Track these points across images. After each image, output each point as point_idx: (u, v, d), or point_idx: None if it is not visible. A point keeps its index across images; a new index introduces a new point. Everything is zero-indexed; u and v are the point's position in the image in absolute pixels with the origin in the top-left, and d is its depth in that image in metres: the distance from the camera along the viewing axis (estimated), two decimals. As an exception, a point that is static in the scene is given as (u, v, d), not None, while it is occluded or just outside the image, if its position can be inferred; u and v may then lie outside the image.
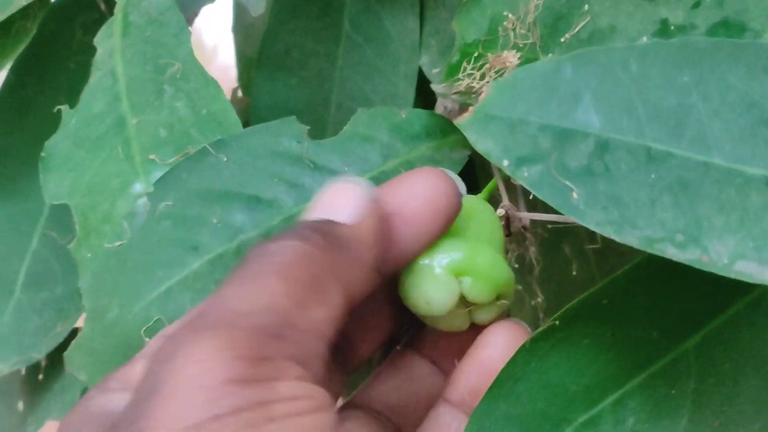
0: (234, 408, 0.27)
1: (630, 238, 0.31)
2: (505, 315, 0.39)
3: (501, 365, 0.37)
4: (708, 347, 0.36)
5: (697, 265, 0.31)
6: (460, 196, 0.37)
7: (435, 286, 0.37)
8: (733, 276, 0.30)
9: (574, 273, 0.43)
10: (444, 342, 0.40)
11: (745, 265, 0.30)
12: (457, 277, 0.37)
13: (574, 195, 0.32)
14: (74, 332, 0.53)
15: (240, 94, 0.68)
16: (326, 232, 0.32)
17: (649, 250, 0.31)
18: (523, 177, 0.33)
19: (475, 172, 0.49)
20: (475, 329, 0.39)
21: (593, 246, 0.35)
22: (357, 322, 0.40)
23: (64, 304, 0.54)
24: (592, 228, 0.32)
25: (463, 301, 0.37)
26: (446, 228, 0.38)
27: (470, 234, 0.38)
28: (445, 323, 0.39)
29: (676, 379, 0.36)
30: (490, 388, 0.35)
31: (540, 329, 0.35)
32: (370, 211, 0.34)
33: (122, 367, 0.34)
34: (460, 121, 0.35)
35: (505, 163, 0.34)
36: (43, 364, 0.58)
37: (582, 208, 0.32)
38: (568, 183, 0.33)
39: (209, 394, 0.27)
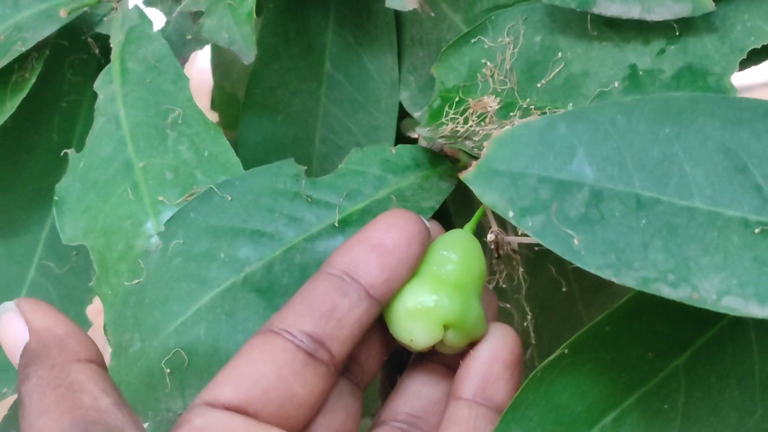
0: None
1: (627, 279, 0.35)
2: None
3: (502, 354, 0.43)
4: (696, 363, 0.40)
5: (688, 302, 0.34)
6: (425, 225, 0.43)
7: (424, 331, 0.42)
8: (721, 311, 0.34)
9: (564, 289, 0.47)
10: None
11: (731, 300, 0.34)
12: (444, 327, 0.42)
13: (575, 242, 0.36)
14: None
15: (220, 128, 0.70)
16: None
17: (646, 290, 0.35)
18: (528, 226, 0.37)
19: (469, 198, 0.53)
20: None
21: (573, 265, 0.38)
22: (363, 345, 0.44)
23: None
24: (593, 272, 0.35)
25: (440, 342, 0.43)
26: (422, 253, 0.43)
27: (462, 280, 0.43)
28: (414, 347, 0.43)
29: (667, 394, 0.40)
30: (504, 414, 0.38)
31: (550, 358, 0.39)
32: None
33: None
34: (465, 176, 0.38)
35: (510, 214, 0.37)
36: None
37: (583, 253, 0.36)
38: (569, 231, 0.36)
39: None
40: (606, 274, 0.35)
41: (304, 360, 0.41)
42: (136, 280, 0.44)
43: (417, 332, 0.42)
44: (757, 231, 0.35)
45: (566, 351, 0.39)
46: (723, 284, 0.34)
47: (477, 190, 0.38)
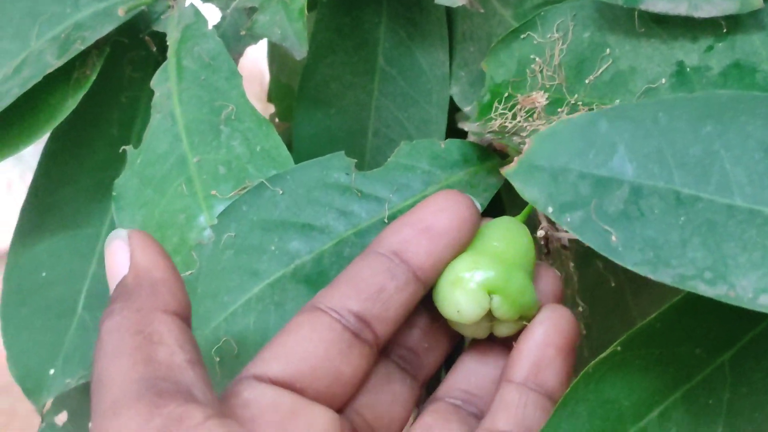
0: None
1: (664, 276, 0.35)
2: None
3: (555, 339, 0.42)
4: (742, 360, 0.40)
5: (725, 300, 0.34)
6: (477, 209, 0.43)
7: (468, 298, 0.42)
8: (757, 309, 0.34)
9: (613, 284, 0.47)
10: None
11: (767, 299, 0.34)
12: (488, 294, 0.42)
13: (613, 238, 0.36)
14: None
15: (276, 119, 0.71)
16: None
17: (682, 287, 0.35)
18: (566, 222, 0.37)
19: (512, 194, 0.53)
20: None
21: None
22: (419, 335, 0.45)
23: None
24: (630, 268, 0.36)
25: (489, 315, 0.43)
26: (472, 237, 0.43)
27: (506, 255, 0.43)
28: (468, 330, 0.44)
29: (713, 390, 0.40)
30: (555, 411, 0.39)
31: (602, 355, 0.39)
32: None
33: None
34: (506, 171, 0.39)
35: (550, 209, 0.38)
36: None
37: (621, 249, 0.36)
38: (607, 227, 0.36)
39: None
40: (643, 271, 0.36)
41: (350, 340, 0.41)
42: (189, 272, 0.46)
43: (461, 301, 0.42)
44: (796, 229, 0.35)
45: (618, 348, 0.39)
46: (760, 282, 0.34)
47: (518, 185, 0.39)
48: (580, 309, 0.50)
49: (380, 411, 0.44)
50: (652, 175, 0.37)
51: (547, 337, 0.43)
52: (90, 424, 0.35)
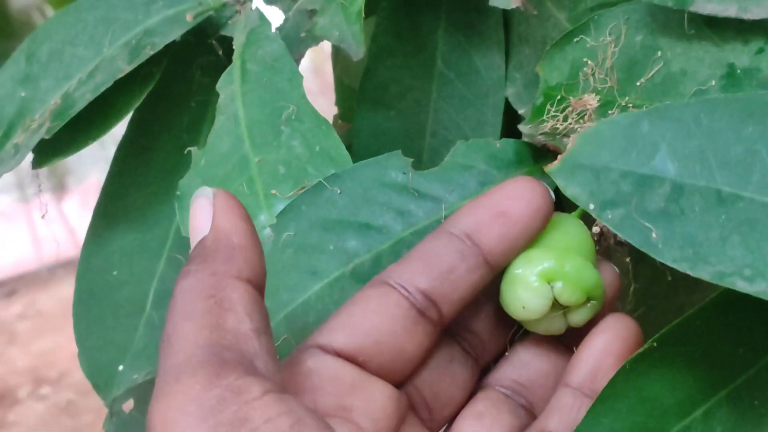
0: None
1: (703, 273, 0.36)
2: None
3: (615, 348, 0.42)
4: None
5: (763, 296, 0.35)
6: (552, 198, 0.44)
7: (530, 292, 0.43)
8: (794, 306, 0.34)
9: (669, 279, 0.48)
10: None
11: None
12: (548, 282, 0.42)
13: (653, 235, 0.37)
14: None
15: (339, 120, 0.73)
16: None
17: (720, 284, 0.35)
18: (608, 219, 0.38)
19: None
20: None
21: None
22: (485, 319, 0.46)
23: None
24: (669, 264, 0.36)
25: (557, 305, 0.43)
26: (544, 226, 0.44)
27: (560, 246, 0.44)
28: (543, 327, 0.44)
29: (758, 390, 0.40)
30: (593, 405, 0.39)
31: (639, 351, 0.40)
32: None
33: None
34: (550, 169, 0.40)
35: (591, 206, 0.39)
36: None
37: (660, 246, 0.37)
38: (647, 224, 0.37)
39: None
40: (682, 267, 0.36)
41: (416, 318, 0.42)
42: (250, 271, 0.47)
43: (524, 296, 0.43)
44: (833, 228, 0.35)
45: (655, 344, 0.40)
46: (799, 280, 0.35)
47: (560, 183, 0.40)
48: (629, 307, 0.50)
49: (439, 390, 0.44)
50: (693, 174, 0.38)
51: (607, 345, 0.43)
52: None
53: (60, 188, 2.64)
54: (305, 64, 0.57)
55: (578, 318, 0.44)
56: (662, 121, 0.39)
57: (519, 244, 0.43)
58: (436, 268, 0.42)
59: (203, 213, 0.38)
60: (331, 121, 0.54)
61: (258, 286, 0.38)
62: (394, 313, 0.42)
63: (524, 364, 0.46)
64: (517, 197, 0.43)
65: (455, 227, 0.43)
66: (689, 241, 0.37)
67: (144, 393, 0.58)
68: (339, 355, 0.41)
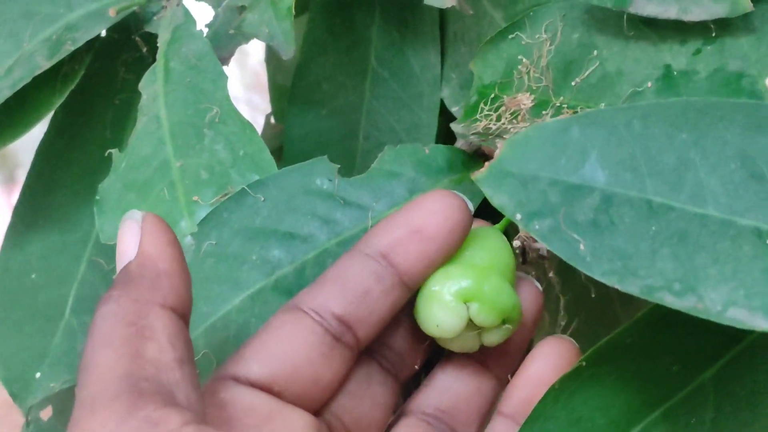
0: None
1: (632, 287, 0.34)
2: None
3: (551, 377, 0.41)
4: (725, 377, 0.39)
5: (692, 312, 0.33)
6: (470, 213, 0.42)
7: (445, 311, 0.41)
8: (725, 322, 0.33)
9: (593, 295, 0.46)
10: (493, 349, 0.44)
11: (737, 312, 0.33)
12: (465, 302, 0.41)
13: (581, 247, 0.35)
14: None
15: (273, 120, 0.71)
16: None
17: (649, 299, 0.34)
18: (534, 230, 0.36)
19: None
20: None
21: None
22: (402, 334, 0.44)
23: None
24: (597, 278, 0.35)
25: (472, 325, 0.42)
26: (462, 241, 0.42)
27: (481, 262, 0.42)
28: (456, 345, 0.43)
29: (695, 409, 0.39)
30: (522, 427, 0.38)
31: (567, 371, 0.38)
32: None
33: None
34: (476, 177, 0.38)
35: (518, 216, 0.37)
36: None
37: (588, 259, 0.35)
38: (575, 236, 0.36)
39: None
40: (611, 281, 0.35)
41: (331, 343, 0.41)
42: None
43: (439, 315, 0.41)
44: (768, 242, 0.34)
45: (584, 363, 0.38)
46: (730, 295, 0.33)
47: (487, 192, 0.38)
48: (562, 322, 0.49)
49: (359, 414, 0.43)
50: (623, 183, 0.36)
51: (542, 372, 0.42)
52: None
53: (10, 180, 2.60)
54: (255, 59, 0.55)
55: (492, 338, 0.42)
56: (593, 126, 0.37)
57: (436, 263, 0.42)
58: (351, 292, 0.41)
59: (131, 237, 0.37)
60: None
61: (183, 314, 0.37)
62: (308, 340, 0.41)
63: (445, 389, 0.44)
64: (434, 213, 0.41)
65: (369, 247, 0.42)
66: (618, 254, 0.35)
67: (63, 401, 0.56)
68: (254, 385, 0.40)
